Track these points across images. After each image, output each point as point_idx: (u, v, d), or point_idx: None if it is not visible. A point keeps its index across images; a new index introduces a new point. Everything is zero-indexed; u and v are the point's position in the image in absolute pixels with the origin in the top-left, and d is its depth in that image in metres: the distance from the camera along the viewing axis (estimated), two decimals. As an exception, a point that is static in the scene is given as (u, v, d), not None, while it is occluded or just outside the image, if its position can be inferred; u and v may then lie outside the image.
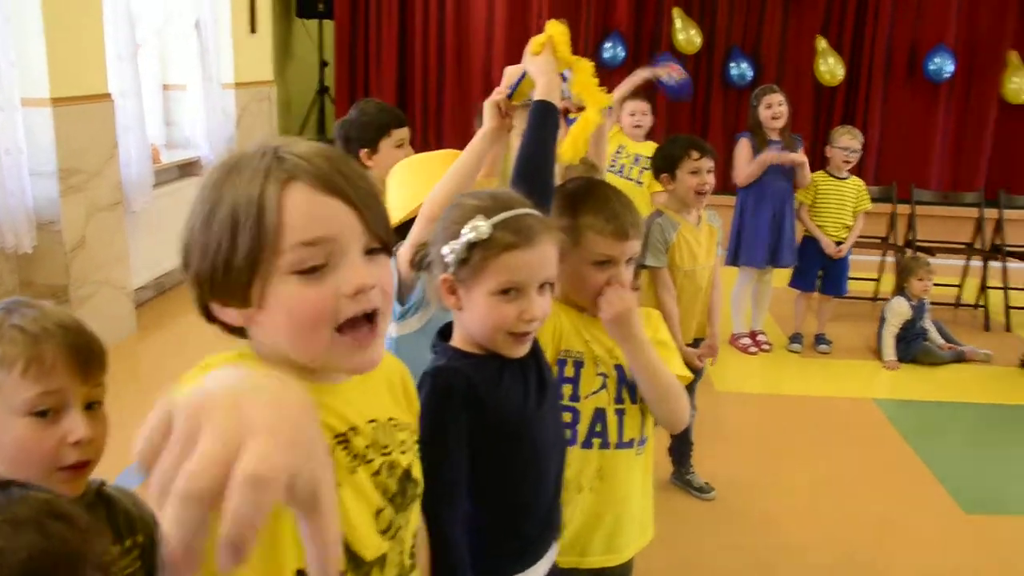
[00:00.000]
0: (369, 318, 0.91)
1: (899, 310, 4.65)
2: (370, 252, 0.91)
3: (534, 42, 1.73)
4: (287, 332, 0.89)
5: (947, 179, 7.12)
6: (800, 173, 4.55)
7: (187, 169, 5.42)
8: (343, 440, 0.96)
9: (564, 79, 1.77)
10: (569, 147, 1.78)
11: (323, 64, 7.38)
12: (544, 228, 1.34)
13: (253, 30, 6.13)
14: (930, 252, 5.38)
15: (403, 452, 1.05)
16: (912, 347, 4.66)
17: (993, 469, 3.66)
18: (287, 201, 0.86)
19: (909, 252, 5.33)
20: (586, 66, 1.79)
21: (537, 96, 1.68)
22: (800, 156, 4.53)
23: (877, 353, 4.73)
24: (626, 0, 6.83)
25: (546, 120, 1.66)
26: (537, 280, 1.32)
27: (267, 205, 0.85)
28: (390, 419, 1.05)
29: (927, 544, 3.00)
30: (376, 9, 7.00)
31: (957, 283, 5.58)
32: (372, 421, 1.01)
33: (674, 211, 3.02)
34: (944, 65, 6.85)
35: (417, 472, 1.08)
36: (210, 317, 0.94)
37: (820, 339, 4.84)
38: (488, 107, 1.76)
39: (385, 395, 1.08)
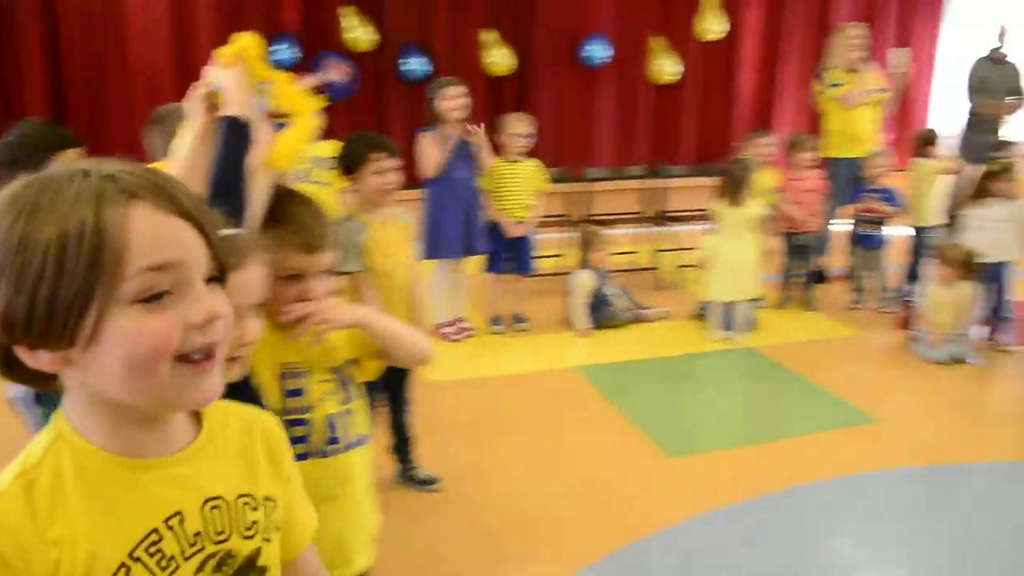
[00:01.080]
0: (210, 351, 0.84)
1: (583, 281, 4.98)
2: (211, 280, 0.84)
3: (223, 54, 1.65)
4: (122, 369, 0.79)
5: (615, 156, 7.72)
6: (481, 159, 4.73)
7: None
8: (152, 543, 0.85)
9: (263, 91, 1.71)
10: (283, 155, 1.72)
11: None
12: (253, 248, 1.30)
13: None
14: (606, 224, 5.82)
15: (249, 537, 0.94)
16: (600, 314, 5.02)
17: (686, 414, 4.04)
18: (131, 223, 0.77)
19: (588, 226, 5.70)
20: (285, 77, 1.75)
21: (227, 111, 1.60)
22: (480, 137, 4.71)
23: (571, 324, 5.04)
24: (295, 1, 6.70)
25: (238, 136, 1.59)
26: (248, 302, 1.30)
27: (107, 228, 0.76)
28: (242, 495, 0.94)
29: (641, 493, 3.25)
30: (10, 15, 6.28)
31: (633, 250, 6.10)
32: (213, 500, 0.90)
33: (362, 212, 3.01)
34: (601, 51, 7.40)
35: (268, 559, 0.96)
36: (8, 365, 0.82)
37: (518, 318, 5.07)
38: (196, 101, 1.63)
39: (238, 465, 0.97)
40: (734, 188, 4.82)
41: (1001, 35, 6.48)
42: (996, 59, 6.46)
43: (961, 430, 3.88)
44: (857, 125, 5.83)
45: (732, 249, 4.83)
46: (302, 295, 1.57)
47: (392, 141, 3.13)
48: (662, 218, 6.09)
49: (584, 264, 5.09)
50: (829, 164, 5.74)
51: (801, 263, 5.51)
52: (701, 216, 5.68)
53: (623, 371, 4.50)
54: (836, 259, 5.89)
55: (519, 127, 4.88)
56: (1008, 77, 6.49)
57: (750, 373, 4.59)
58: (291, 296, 1.56)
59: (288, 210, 1.62)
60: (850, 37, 5.86)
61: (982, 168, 5.00)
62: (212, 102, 1.64)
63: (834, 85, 5.87)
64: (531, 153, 5.13)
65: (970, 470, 3.49)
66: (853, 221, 5.60)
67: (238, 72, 1.63)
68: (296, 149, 1.77)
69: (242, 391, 1.34)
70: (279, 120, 1.85)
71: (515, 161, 4.91)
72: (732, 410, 4.16)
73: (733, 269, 4.84)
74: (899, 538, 3.00)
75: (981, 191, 4.82)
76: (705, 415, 4.04)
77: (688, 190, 6.71)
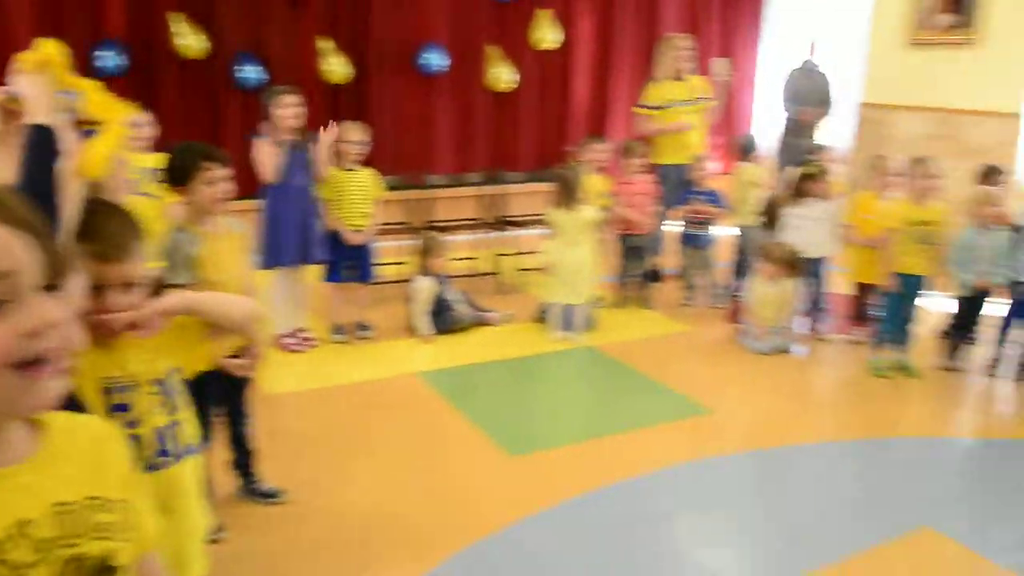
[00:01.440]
0: (46, 358, 0.84)
1: (424, 287, 4.99)
2: (49, 288, 0.84)
3: (25, 60, 1.58)
4: None
5: (454, 163, 7.76)
6: (316, 169, 4.67)
7: None
8: None
9: (70, 97, 1.66)
10: (94, 163, 1.67)
11: None
12: (74, 257, 1.29)
13: None
14: (447, 230, 5.84)
15: (100, 538, 0.92)
16: (442, 319, 5.03)
17: (528, 414, 4.10)
18: None
19: (427, 233, 5.71)
20: (93, 85, 1.70)
21: (31, 119, 1.53)
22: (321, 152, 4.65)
23: (414, 330, 5.02)
24: (119, 5, 6.40)
25: (43, 144, 1.53)
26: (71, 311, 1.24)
27: None
28: (91, 498, 0.93)
29: (484, 492, 3.28)
30: None
31: (474, 255, 6.14)
32: (61, 505, 0.90)
33: (194, 223, 2.91)
34: (438, 60, 7.43)
35: (123, 558, 0.96)
36: None
37: (360, 326, 5.02)
38: None
39: (85, 469, 0.96)
40: (567, 193, 4.93)
41: (812, 49, 6.92)
42: (808, 70, 6.89)
43: (788, 415, 4.11)
44: (683, 132, 6.09)
45: (569, 253, 4.95)
46: (103, 306, 1.54)
47: (221, 150, 3.04)
48: (501, 223, 6.17)
49: (424, 270, 5.09)
50: (659, 169, 5.96)
51: (636, 264, 5.69)
52: (539, 221, 5.78)
53: (466, 375, 4.53)
54: (668, 259, 6.12)
55: (354, 135, 4.84)
56: (819, 86, 6.93)
57: (589, 371, 4.71)
58: (95, 307, 1.53)
59: (90, 220, 1.59)
60: (678, 48, 6.13)
61: (799, 171, 5.30)
62: (11, 109, 1.59)
63: (656, 107, 6.15)
64: (370, 161, 5.09)
65: (798, 451, 3.70)
66: (683, 223, 5.83)
67: (42, 79, 1.59)
68: (107, 157, 1.73)
69: (69, 406, 1.31)
70: (88, 128, 1.79)
71: (352, 169, 4.86)
72: (572, 408, 4.26)
73: (571, 273, 4.95)
74: (737, 521, 3.15)
75: (799, 192, 5.10)
76: (546, 414, 4.11)
77: (526, 196, 6.82)
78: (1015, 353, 4.60)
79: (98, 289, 1.54)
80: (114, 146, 1.73)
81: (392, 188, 5.64)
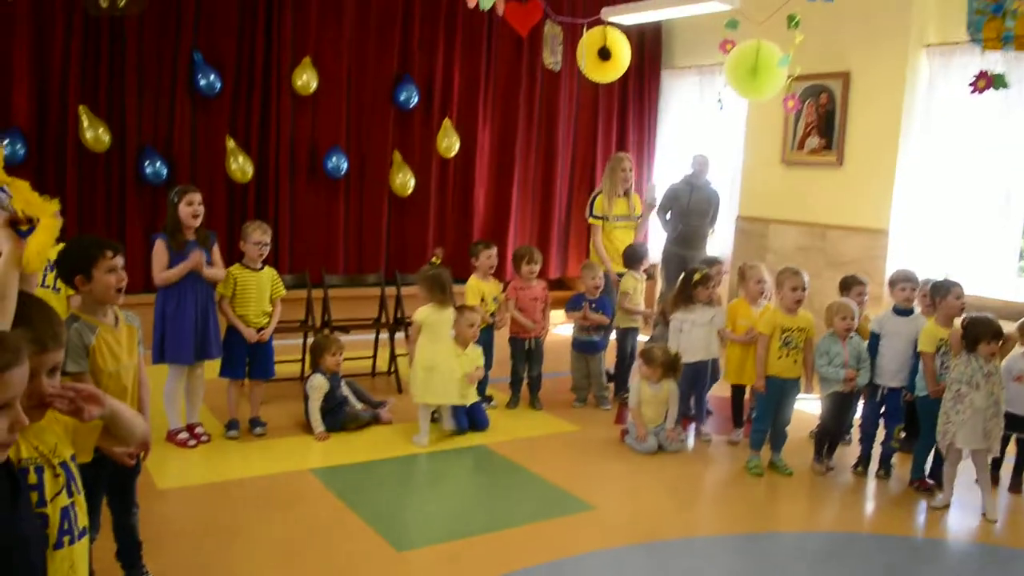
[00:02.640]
0: None
1: (318, 384, 5.07)
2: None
3: None
4: None
5: (352, 264, 7.93)
6: (212, 276, 4.78)
7: None
8: None
9: (3, 194, 1.76)
10: (35, 257, 1.77)
11: None
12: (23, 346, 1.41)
13: None
14: (345, 330, 5.95)
15: None
16: (337, 416, 5.10)
17: (417, 510, 4.16)
18: None
19: (325, 331, 5.81)
20: (21, 184, 1.81)
21: None
22: (217, 271, 4.82)
23: (308, 427, 5.07)
24: (25, 95, 6.45)
25: None
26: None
27: None
28: None
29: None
30: None
31: (371, 355, 6.26)
32: None
33: (89, 314, 2.97)
34: (340, 163, 7.66)
35: None
36: None
37: (255, 422, 5.05)
38: None
39: None
40: (436, 293, 5.12)
41: (699, 164, 7.39)
42: (692, 183, 7.34)
43: (667, 511, 4.29)
44: (618, 246, 6.56)
45: (440, 352, 5.09)
46: (33, 392, 1.63)
47: (115, 241, 3.12)
48: (398, 324, 6.32)
49: (316, 368, 5.18)
50: (610, 276, 6.30)
51: (527, 366, 5.88)
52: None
53: (357, 472, 4.58)
54: (561, 362, 6.34)
55: (256, 235, 4.95)
56: (704, 198, 7.38)
57: (480, 469, 4.82)
58: (26, 392, 1.60)
59: (24, 312, 1.69)
60: (624, 168, 6.64)
61: (684, 278, 5.61)
62: None
63: (600, 217, 6.62)
64: (272, 260, 5.20)
65: (675, 545, 3.87)
66: (574, 327, 6.07)
67: None
68: (45, 250, 1.83)
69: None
70: (23, 228, 1.88)
71: (252, 268, 4.97)
72: (461, 504, 4.35)
73: (442, 372, 5.06)
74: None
75: (685, 298, 5.39)
76: (435, 510, 4.19)
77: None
78: (879, 451, 4.93)
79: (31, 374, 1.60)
80: (50, 240, 1.83)
81: (291, 287, 5.76)
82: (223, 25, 7.11)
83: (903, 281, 4.97)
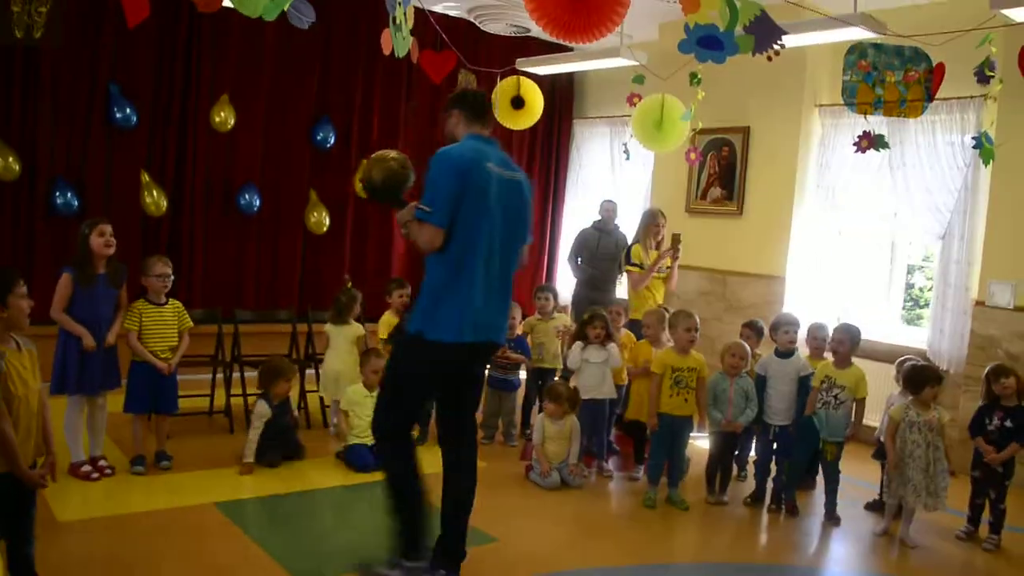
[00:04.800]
0: None
1: (260, 412, 5.18)
2: None
3: None
4: None
5: (264, 299, 7.94)
6: (122, 298, 4.85)
7: None
8: None
9: None
10: None
11: None
12: None
13: None
14: (254, 365, 5.98)
15: None
16: (287, 445, 5.36)
17: (322, 543, 4.21)
18: None
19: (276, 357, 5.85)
20: None
21: None
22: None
23: (239, 457, 5.14)
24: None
25: None
26: None
27: None
28: None
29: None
30: None
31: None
32: None
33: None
34: (253, 199, 7.71)
35: None
36: None
37: (161, 456, 5.04)
38: None
39: None
40: (340, 311, 6.01)
41: (606, 210, 7.67)
42: (601, 229, 7.61)
43: (567, 543, 4.45)
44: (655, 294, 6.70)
45: (338, 362, 5.81)
46: None
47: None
48: (309, 360, 6.38)
49: (266, 395, 5.27)
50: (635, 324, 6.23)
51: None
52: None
53: (264, 505, 4.62)
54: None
55: (158, 267, 4.98)
56: (613, 243, 7.65)
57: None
58: None
59: None
60: (658, 222, 6.74)
61: (585, 318, 5.83)
62: None
63: (636, 264, 6.68)
64: (184, 294, 5.23)
65: (573, 575, 4.02)
66: (488, 366, 6.22)
67: None
68: None
69: None
70: None
71: (156, 303, 4.99)
72: (367, 538, 4.38)
73: (337, 375, 5.77)
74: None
75: (583, 337, 5.60)
76: (339, 543, 4.24)
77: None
78: (769, 485, 5.19)
79: None
80: None
81: (201, 321, 5.79)
82: (142, 59, 7.13)
83: (786, 325, 5.27)
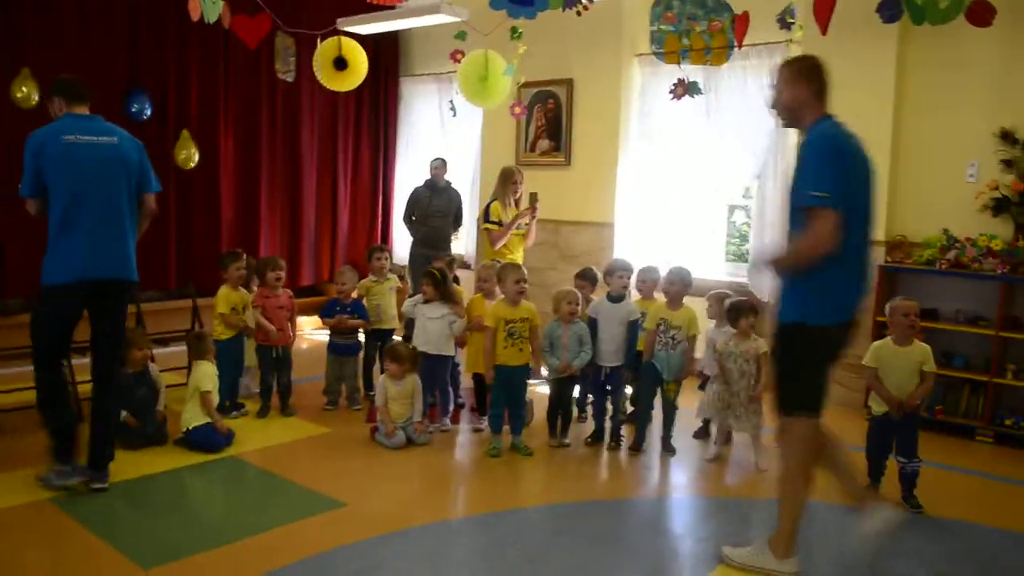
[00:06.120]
0: None
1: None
2: None
3: None
4: None
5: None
6: None
7: None
8: None
9: None
10: None
11: None
12: None
13: None
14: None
15: None
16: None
17: (164, 527, 4.10)
18: None
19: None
20: None
21: None
22: None
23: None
24: None
25: None
26: None
27: None
28: None
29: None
30: None
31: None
32: None
33: None
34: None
35: None
36: None
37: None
38: None
39: None
40: None
41: (435, 168, 7.70)
42: (432, 187, 7.64)
43: (415, 499, 4.53)
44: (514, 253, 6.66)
45: None
46: None
47: None
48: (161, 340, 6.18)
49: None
50: None
51: (276, 372, 5.93)
52: (177, 338, 5.98)
53: (101, 496, 4.45)
54: (316, 366, 6.42)
55: None
56: (445, 200, 7.70)
57: (231, 480, 4.82)
58: None
59: None
60: (516, 182, 6.71)
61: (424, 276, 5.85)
62: None
63: (494, 222, 6.62)
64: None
65: (424, 530, 4.10)
66: (329, 332, 6.18)
67: None
68: None
69: None
70: None
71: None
72: (210, 516, 4.36)
73: None
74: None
75: (424, 295, 5.64)
76: (184, 525, 4.15)
77: (166, 313, 6.88)
78: (607, 424, 5.42)
79: None
80: None
81: (20, 311, 5.48)
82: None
83: (620, 270, 5.47)
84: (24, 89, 6.99)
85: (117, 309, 4.59)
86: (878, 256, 6.27)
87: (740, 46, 5.44)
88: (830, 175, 3.29)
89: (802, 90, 3.51)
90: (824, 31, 4.68)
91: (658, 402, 5.40)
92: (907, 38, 6.25)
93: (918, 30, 5.86)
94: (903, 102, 6.35)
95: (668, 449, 5.32)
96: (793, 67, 3.56)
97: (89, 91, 4.52)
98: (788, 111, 3.58)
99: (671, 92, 6.02)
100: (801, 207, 3.37)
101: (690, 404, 5.73)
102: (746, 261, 7.82)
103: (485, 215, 6.80)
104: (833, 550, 4.00)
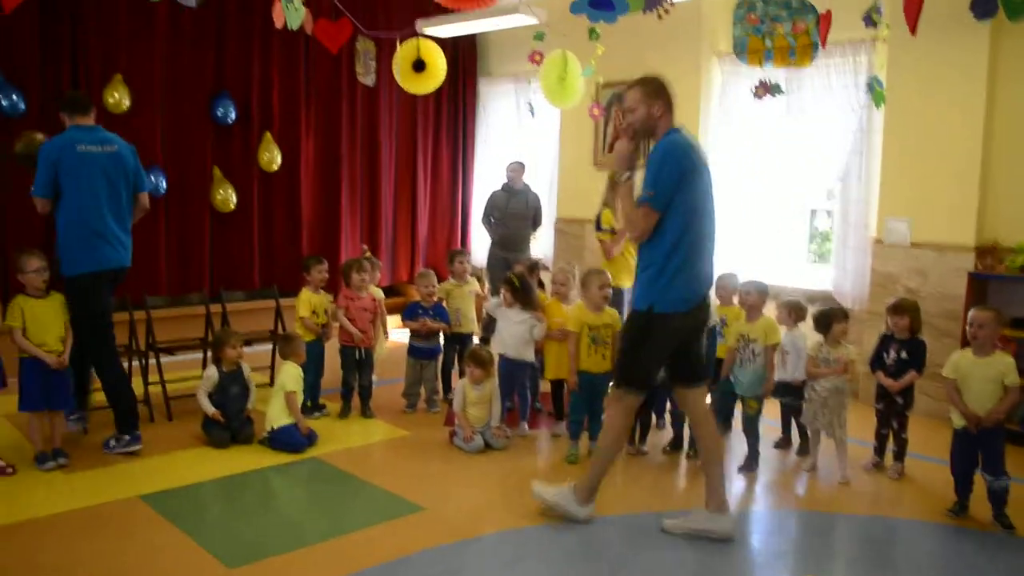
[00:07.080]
0: None
1: (208, 375, 5.41)
2: None
3: None
4: None
5: (176, 283, 7.79)
6: None
7: None
8: None
9: None
10: None
11: None
12: None
13: None
14: (170, 351, 5.89)
15: None
16: (232, 426, 5.37)
17: (250, 526, 4.19)
18: None
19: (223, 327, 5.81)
20: None
21: None
22: None
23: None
24: None
25: None
26: None
27: None
28: None
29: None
30: None
31: (199, 375, 6.19)
32: None
33: None
34: (159, 181, 7.51)
35: None
36: None
37: (57, 453, 4.88)
38: None
39: None
40: None
41: (512, 170, 7.70)
42: (510, 190, 7.65)
43: (493, 505, 4.52)
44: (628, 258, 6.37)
45: None
46: None
47: None
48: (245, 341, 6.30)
49: (217, 361, 5.42)
50: (616, 293, 6.00)
51: (359, 375, 6.00)
52: (263, 339, 6.09)
53: (188, 493, 4.57)
54: (395, 369, 6.48)
55: (33, 263, 4.82)
56: (523, 202, 7.70)
57: (313, 481, 4.89)
58: None
59: None
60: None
61: (507, 280, 5.84)
62: None
63: (606, 230, 6.44)
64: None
65: (501, 536, 4.10)
66: (409, 334, 6.23)
67: None
68: None
69: None
70: None
71: (39, 296, 4.86)
72: (294, 516, 4.43)
73: None
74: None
75: (506, 300, 5.65)
76: (268, 525, 4.23)
77: (249, 313, 7.02)
78: (686, 432, 5.34)
79: None
80: None
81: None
82: (23, 45, 6.85)
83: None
84: (116, 95, 7.22)
85: (112, 292, 5.21)
86: (967, 263, 6.06)
87: (824, 46, 5.31)
88: (662, 181, 3.78)
89: (657, 107, 3.93)
90: (913, 31, 4.54)
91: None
92: (1000, 35, 6.02)
93: (1012, 27, 5.63)
94: (995, 102, 6.11)
95: (747, 467, 5.16)
96: (647, 87, 3.97)
97: (92, 104, 5.14)
98: (645, 127, 3.94)
99: (753, 92, 5.92)
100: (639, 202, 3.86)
101: (769, 414, 5.61)
102: (827, 263, 7.63)
103: (596, 224, 6.59)
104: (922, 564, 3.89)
